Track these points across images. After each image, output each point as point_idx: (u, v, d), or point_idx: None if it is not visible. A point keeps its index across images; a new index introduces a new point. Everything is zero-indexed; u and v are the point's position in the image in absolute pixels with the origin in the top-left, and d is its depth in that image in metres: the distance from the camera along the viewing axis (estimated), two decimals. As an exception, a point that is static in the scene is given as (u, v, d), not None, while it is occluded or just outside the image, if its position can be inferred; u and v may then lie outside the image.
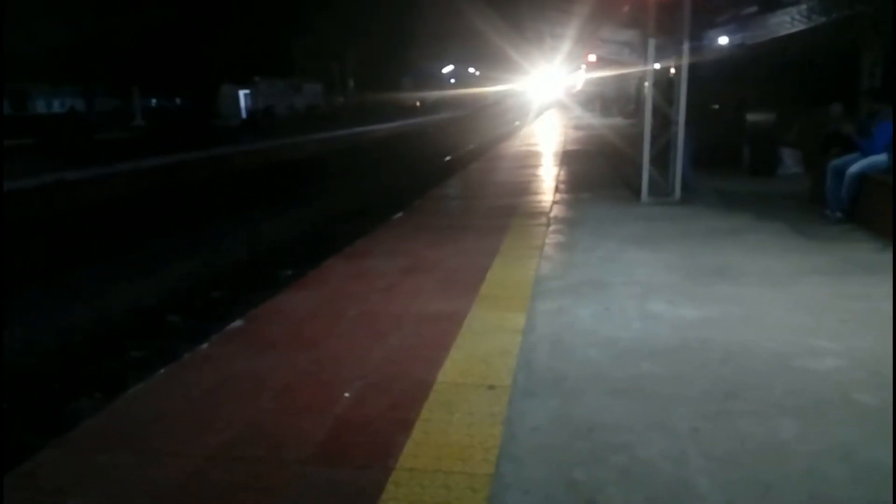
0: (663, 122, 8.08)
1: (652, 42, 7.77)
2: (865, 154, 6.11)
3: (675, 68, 7.79)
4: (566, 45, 29.17)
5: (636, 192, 8.03)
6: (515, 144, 18.36)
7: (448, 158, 20.56)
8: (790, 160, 9.46)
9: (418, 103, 52.95)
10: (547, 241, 5.91)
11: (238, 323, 4.02)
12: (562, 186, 9.37)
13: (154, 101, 39.35)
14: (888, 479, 2.19)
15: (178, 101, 39.97)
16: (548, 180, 10.14)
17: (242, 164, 17.02)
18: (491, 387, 2.96)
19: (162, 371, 3.33)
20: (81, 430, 2.78)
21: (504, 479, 2.27)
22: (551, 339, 3.54)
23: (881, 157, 5.94)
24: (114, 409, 2.98)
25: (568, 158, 13.38)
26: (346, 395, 2.94)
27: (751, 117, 11.63)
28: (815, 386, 2.89)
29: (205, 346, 3.64)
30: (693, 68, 7.67)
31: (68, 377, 5.46)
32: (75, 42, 23.02)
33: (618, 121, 25.07)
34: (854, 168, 6.07)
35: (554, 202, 7.97)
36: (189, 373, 3.29)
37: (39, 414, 4.88)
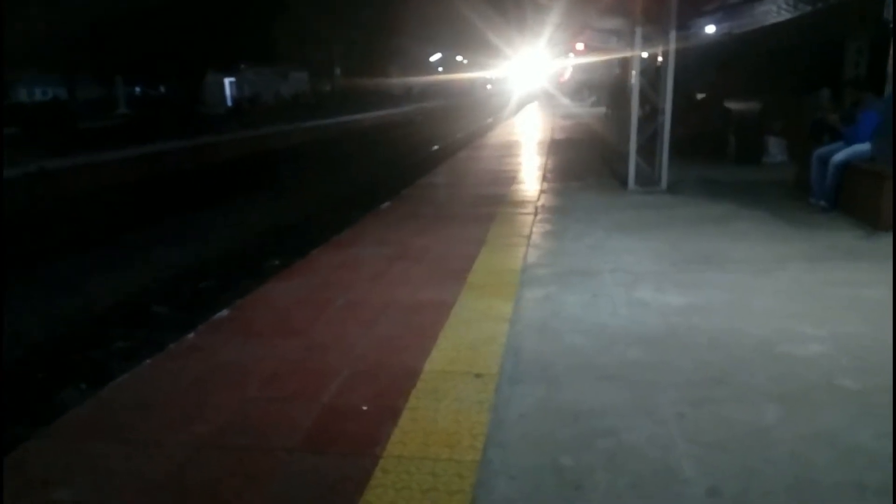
0: (650, 110, 8.10)
1: (639, 30, 7.76)
2: (850, 143, 6.16)
3: (662, 56, 7.80)
4: (552, 33, 29.06)
5: (623, 181, 8.05)
6: (503, 133, 18.34)
7: (435, 147, 20.50)
8: (775, 149, 9.53)
9: (409, 90, 53.04)
10: (534, 229, 5.92)
11: (224, 312, 4.00)
12: (549, 175, 9.38)
13: (138, 89, 38.94)
14: (872, 462, 2.23)
15: (161, 89, 39.56)
16: (535, 169, 10.14)
17: (228, 152, 16.89)
18: (478, 374, 2.96)
19: (148, 361, 3.31)
20: (67, 420, 2.76)
21: (491, 465, 2.28)
22: (538, 326, 3.55)
23: (865, 146, 5.99)
24: (100, 398, 2.95)
25: (555, 147, 13.39)
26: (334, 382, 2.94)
27: (736, 106, 11.68)
28: (800, 371, 2.92)
29: (191, 335, 3.62)
30: (677, 56, 7.67)
31: (53, 367, 5.42)
32: (57, 30, 22.69)
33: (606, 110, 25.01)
34: (839, 157, 6.11)
35: (541, 191, 7.98)
36: (175, 362, 3.27)
37: (24, 404, 4.83)
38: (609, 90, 22.95)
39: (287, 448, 2.43)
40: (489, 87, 72.86)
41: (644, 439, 2.40)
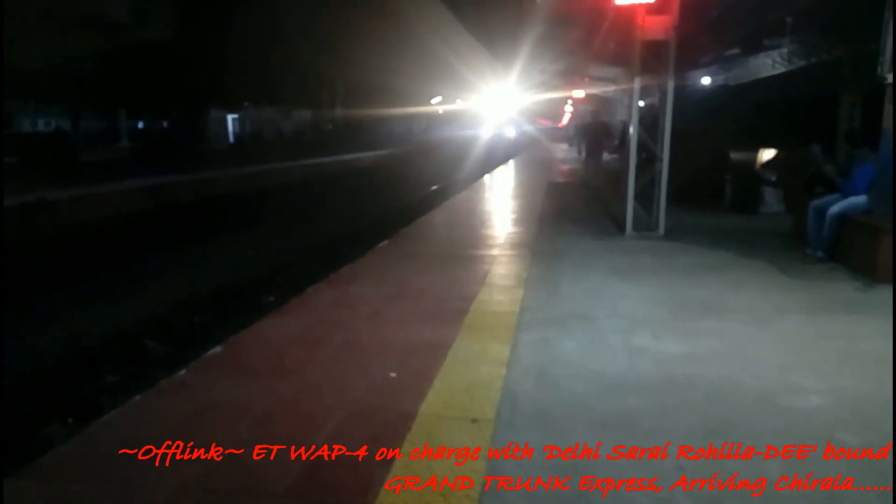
0: (648, 157, 8.19)
1: (637, 80, 7.90)
2: (846, 195, 6.21)
3: (660, 105, 7.91)
4: (552, 81, 29.65)
5: (620, 226, 8.08)
6: (501, 176, 18.49)
7: (434, 187, 20.63)
8: (772, 199, 9.61)
9: (410, 129, 53.76)
10: (532, 272, 5.90)
11: (217, 349, 3.95)
12: (547, 218, 9.41)
13: (141, 123, 39.29)
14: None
15: (164, 123, 39.92)
16: (533, 211, 10.18)
17: (227, 188, 16.93)
18: (474, 420, 2.91)
19: (137, 397, 3.25)
20: (52, 458, 2.69)
21: (486, 516, 2.22)
22: (536, 371, 3.51)
23: (861, 198, 6.04)
24: (86, 436, 2.88)
25: (553, 190, 13.48)
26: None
27: (733, 156, 11.81)
28: (800, 425, 2.88)
29: (182, 372, 3.56)
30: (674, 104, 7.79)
31: (40, 402, 5.32)
32: (63, 62, 22.96)
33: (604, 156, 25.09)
34: (835, 209, 6.16)
35: (539, 234, 8.00)
36: (165, 400, 3.21)
37: (9, 440, 4.73)
38: (583, 130, 22.39)
39: (275, 494, 2.37)
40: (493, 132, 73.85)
41: (642, 494, 2.35)
